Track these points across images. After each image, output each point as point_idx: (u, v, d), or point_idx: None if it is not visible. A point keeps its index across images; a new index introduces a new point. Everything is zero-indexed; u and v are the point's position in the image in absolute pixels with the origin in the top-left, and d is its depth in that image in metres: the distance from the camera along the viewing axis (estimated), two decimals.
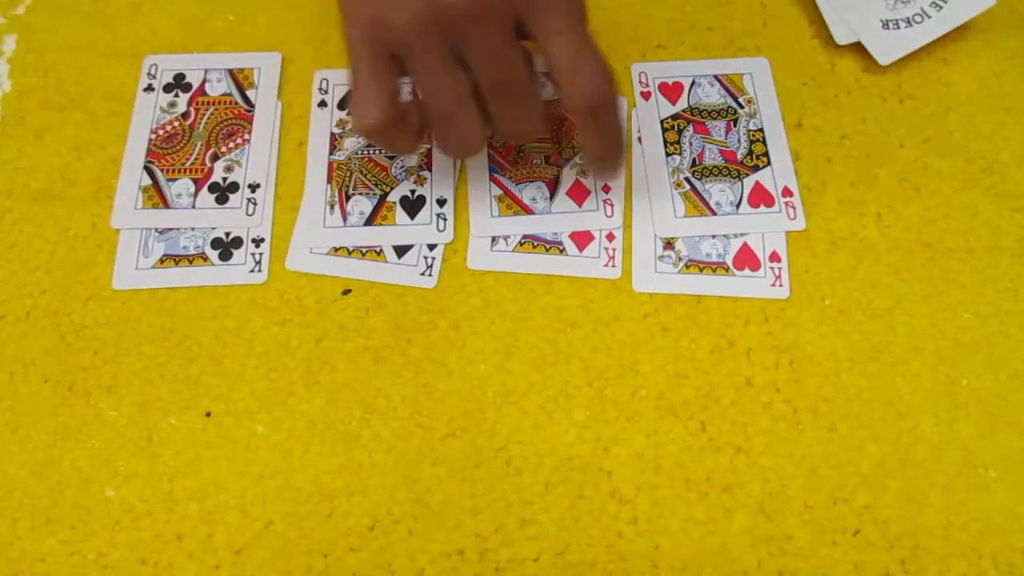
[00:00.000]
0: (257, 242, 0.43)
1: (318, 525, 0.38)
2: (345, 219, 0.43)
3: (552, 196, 0.44)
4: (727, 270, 0.42)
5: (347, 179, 0.44)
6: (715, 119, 0.46)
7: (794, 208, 0.43)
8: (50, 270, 0.43)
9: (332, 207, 0.44)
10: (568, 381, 0.40)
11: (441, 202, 0.44)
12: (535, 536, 0.38)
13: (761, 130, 0.45)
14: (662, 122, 0.46)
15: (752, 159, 0.45)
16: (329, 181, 0.44)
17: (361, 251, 0.43)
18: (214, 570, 0.37)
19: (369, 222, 0.43)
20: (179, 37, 0.48)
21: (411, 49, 0.36)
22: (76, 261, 0.43)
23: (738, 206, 0.43)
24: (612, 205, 0.43)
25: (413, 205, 0.44)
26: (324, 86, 0.47)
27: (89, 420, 0.40)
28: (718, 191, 0.44)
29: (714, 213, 0.43)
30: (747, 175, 0.44)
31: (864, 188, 0.44)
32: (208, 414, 0.40)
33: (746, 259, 0.42)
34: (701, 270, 0.42)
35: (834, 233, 0.43)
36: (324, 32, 0.48)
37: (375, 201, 0.44)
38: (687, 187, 0.44)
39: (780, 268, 0.42)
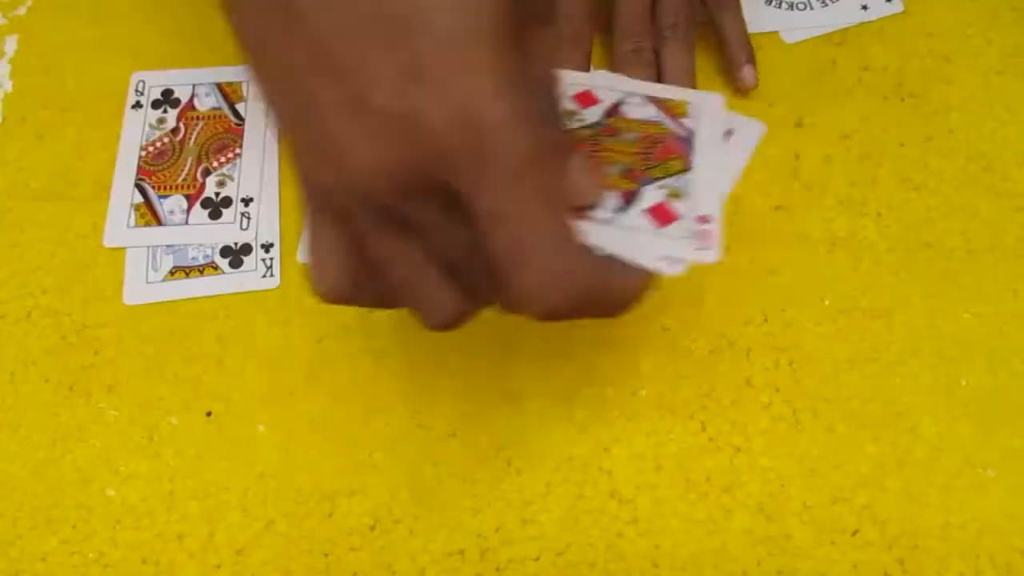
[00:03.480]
0: (267, 247, 0.43)
1: (319, 525, 0.38)
2: None
3: (625, 208, 0.33)
4: None
5: None
6: None
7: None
8: (51, 270, 0.43)
9: None
10: (568, 381, 0.40)
11: None
12: (535, 536, 0.38)
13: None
14: None
15: None
16: None
17: None
18: (215, 570, 0.37)
19: None
20: (180, 37, 0.48)
21: (353, 219, 0.30)
22: (77, 261, 0.43)
23: None
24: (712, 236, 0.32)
25: None
26: None
27: (90, 419, 0.40)
28: None
29: None
30: None
31: (864, 188, 0.44)
32: (209, 414, 0.40)
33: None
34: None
35: (834, 233, 0.43)
36: None
37: None
38: None
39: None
